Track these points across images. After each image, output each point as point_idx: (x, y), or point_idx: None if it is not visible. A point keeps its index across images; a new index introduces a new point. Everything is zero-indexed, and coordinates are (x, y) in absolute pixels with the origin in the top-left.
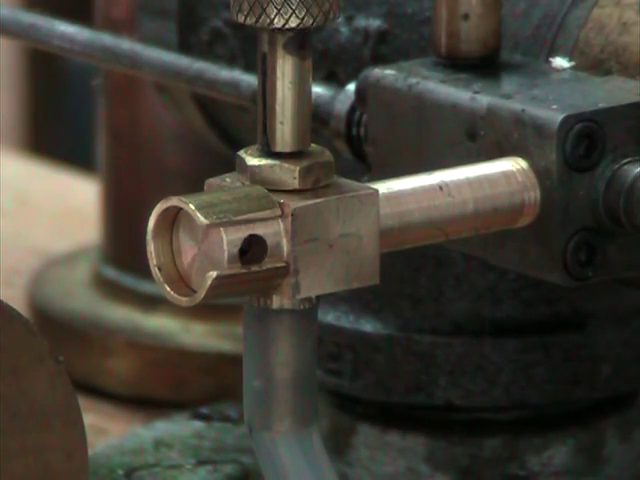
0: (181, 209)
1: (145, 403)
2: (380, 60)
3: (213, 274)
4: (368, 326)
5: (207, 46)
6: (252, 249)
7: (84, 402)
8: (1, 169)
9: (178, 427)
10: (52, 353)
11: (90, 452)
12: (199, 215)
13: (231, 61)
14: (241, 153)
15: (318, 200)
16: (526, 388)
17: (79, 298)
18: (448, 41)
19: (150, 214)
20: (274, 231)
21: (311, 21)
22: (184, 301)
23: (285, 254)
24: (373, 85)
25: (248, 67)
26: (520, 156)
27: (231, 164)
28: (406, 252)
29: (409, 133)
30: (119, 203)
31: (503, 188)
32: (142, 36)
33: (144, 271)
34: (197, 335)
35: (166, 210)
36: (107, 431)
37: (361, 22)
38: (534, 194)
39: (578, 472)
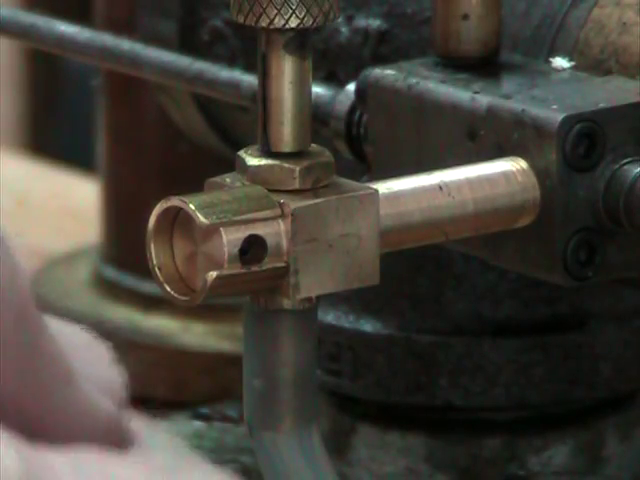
0: (181, 209)
1: (145, 403)
2: (380, 60)
3: (213, 274)
4: (368, 326)
5: (207, 46)
6: (252, 249)
7: None
8: (1, 169)
9: (178, 427)
10: None
11: None
12: (199, 215)
13: (231, 61)
14: (241, 153)
15: (318, 200)
16: (526, 388)
17: (79, 298)
18: (448, 41)
19: (150, 214)
20: (274, 231)
21: (311, 21)
22: (184, 301)
23: (285, 254)
24: (373, 85)
25: (248, 67)
26: (520, 156)
27: (231, 164)
28: (406, 252)
29: (409, 133)
30: (119, 203)
31: (503, 188)
32: (142, 36)
33: (144, 271)
34: (197, 335)
35: (166, 210)
36: None
37: (361, 22)
38: (534, 194)
39: (578, 472)
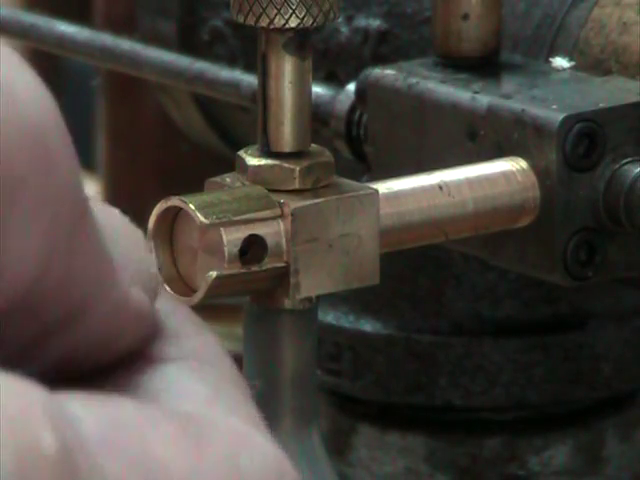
0: (181, 209)
1: None
2: (380, 60)
3: (213, 274)
4: (368, 326)
5: (207, 46)
6: (252, 249)
7: None
8: None
9: None
10: None
11: None
12: (199, 215)
13: (231, 61)
14: (241, 153)
15: (318, 200)
16: (526, 388)
17: None
18: (448, 41)
19: (150, 214)
20: (274, 231)
21: (311, 21)
22: (184, 301)
23: (285, 254)
24: (373, 85)
25: (248, 67)
26: (520, 156)
27: (231, 164)
28: (406, 252)
29: (409, 133)
30: (119, 203)
31: (503, 188)
32: (142, 36)
33: None
34: None
35: (166, 210)
36: None
37: (361, 22)
38: (534, 194)
39: (578, 472)
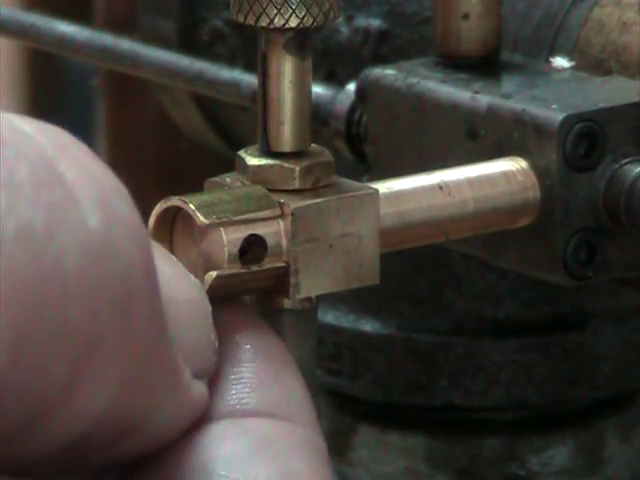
0: (181, 209)
1: None
2: (380, 60)
3: (213, 274)
4: (368, 326)
5: (207, 46)
6: (252, 249)
7: None
8: None
9: None
10: None
11: None
12: (199, 215)
13: (231, 61)
14: (241, 153)
15: (318, 200)
16: (526, 388)
17: None
18: (448, 41)
19: (150, 214)
20: (274, 231)
21: (311, 21)
22: None
23: (285, 254)
24: (373, 85)
25: (248, 67)
26: (520, 156)
27: (231, 164)
28: (406, 252)
29: (409, 133)
30: None
31: (503, 188)
32: (142, 36)
33: None
34: None
35: (166, 210)
36: None
37: (361, 22)
38: (534, 194)
39: (578, 472)
